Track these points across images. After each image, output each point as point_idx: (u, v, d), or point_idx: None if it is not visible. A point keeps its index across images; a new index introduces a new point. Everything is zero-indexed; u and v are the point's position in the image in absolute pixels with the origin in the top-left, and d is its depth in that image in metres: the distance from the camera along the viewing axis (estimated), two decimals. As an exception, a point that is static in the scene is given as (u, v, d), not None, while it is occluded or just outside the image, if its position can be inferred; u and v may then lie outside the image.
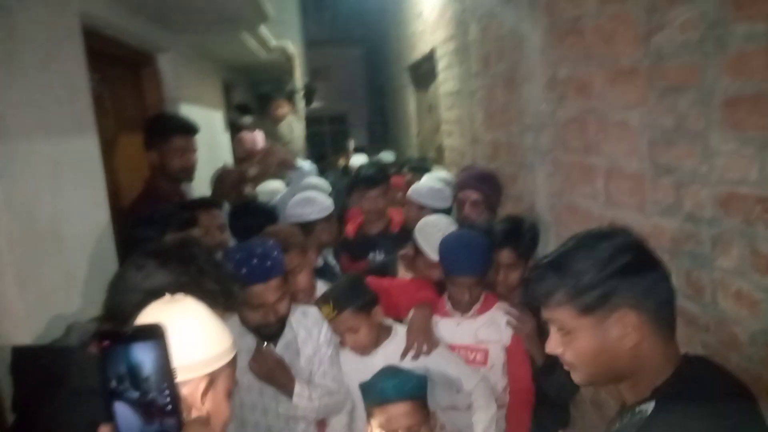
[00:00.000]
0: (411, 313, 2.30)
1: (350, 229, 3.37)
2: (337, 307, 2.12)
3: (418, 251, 2.55)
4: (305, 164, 4.86)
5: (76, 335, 1.40)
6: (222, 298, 1.38)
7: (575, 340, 1.20)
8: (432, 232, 2.48)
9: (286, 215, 2.93)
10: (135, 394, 0.72)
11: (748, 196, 1.42)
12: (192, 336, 1.07)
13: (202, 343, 1.08)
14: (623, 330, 1.16)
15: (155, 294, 1.23)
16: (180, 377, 1.02)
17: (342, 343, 2.23)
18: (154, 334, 0.74)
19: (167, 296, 1.12)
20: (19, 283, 1.59)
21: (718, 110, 1.49)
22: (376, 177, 3.28)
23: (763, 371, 1.42)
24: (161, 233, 1.94)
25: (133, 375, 0.72)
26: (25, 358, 1.37)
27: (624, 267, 1.17)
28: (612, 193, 2.07)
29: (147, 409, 0.73)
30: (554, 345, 1.25)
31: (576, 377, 1.26)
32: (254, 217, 2.81)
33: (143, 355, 0.73)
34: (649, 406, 1.17)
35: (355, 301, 2.15)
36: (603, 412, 2.33)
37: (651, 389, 1.18)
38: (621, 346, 1.17)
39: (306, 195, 3.01)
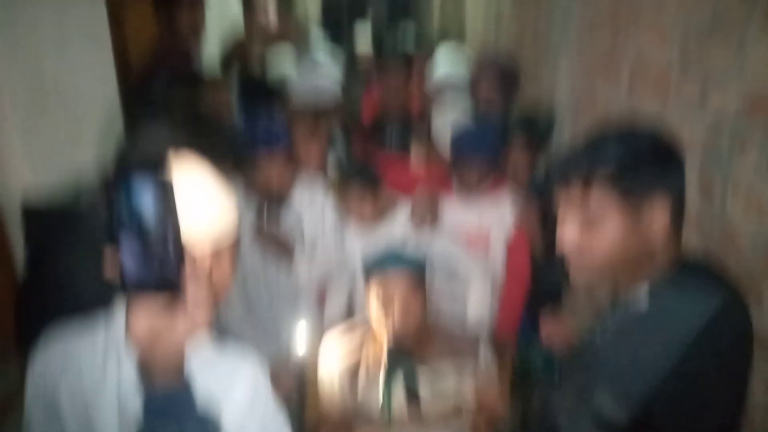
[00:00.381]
0: (418, 191, 2.31)
1: (366, 115, 3.17)
2: (343, 181, 2.13)
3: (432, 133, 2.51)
4: (319, 53, 4.57)
5: (86, 199, 1.40)
6: (232, 167, 1.38)
7: (602, 227, 1.15)
8: (449, 113, 2.42)
9: (294, 98, 2.84)
10: (137, 237, 0.74)
11: (777, 99, 1.35)
12: (199, 211, 1.04)
13: (209, 221, 1.05)
14: (659, 214, 1.12)
15: (165, 156, 1.22)
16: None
17: (347, 218, 2.26)
18: (162, 182, 0.75)
19: (176, 160, 1.10)
20: (23, 139, 1.59)
21: (761, 4, 1.38)
22: (400, 63, 2.99)
23: (757, 275, 1.43)
24: (167, 89, 1.89)
25: (137, 219, 0.74)
26: (34, 220, 1.39)
27: (661, 155, 1.14)
28: (635, 84, 1.98)
29: (148, 254, 0.74)
30: (572, 233, 1.18)
31: (583, 273, 1.23)
32: (263, 95, 2.74)
33: (149, 201, 0.74)
34: (644, 299, 1.19)
35: (363, 175, 2.16)
36: (594, 299, 2.40)
37: (648, 277, 1.19)
38: (650, 231, 1.13)
39: (315, 81, 2.89)
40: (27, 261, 1.40)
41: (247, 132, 1.88)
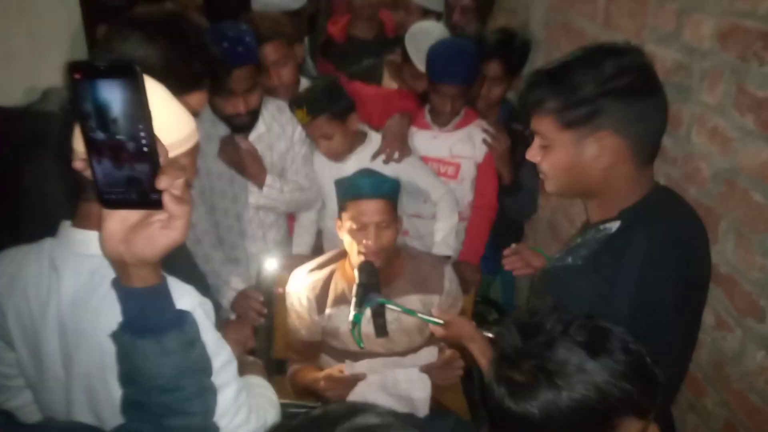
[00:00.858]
0: (388, 121, 2.28)
1: (335, 30, 3.05)
2: (311, 112, 2.07)
3: (406, 59, 2.44)
4: None
5: (55, 100, 1.35)
6: (208, 80, 1.33)
7: (553, 152, 1.23)
8: (424, 39, 2.35)
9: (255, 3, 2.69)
10: (101, 135, 0.68)
11: (751, 30, 1.35)
12: (157, 118, 1.03)
13: (164, 127, 1.04)
14: (599, 151, 1.17)
15: (145, 69, 1.17)
16: None
17: (316, 147, 2.23)
18: (129, 71, 0.67)
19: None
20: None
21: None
22: None
23: (716, 206, 1.48)
24: (132, 3, 1.79)
25: (101, 114, 0.67)
26: (2, 119, 1.33)
27: (620, 89, 1.14)
28: (611, 15, 1.95)
29: (115, 152, 0.69)
30: (533, 153, 1.27)
31: (548, 186, 1.31)
32: (227, 3, 2.60)
33: (113, 94, 0.67)
34: (614, 225, 1.23)
35: (331, 106, 2.09)
36: (556, 233, 2.46)
37: (618, 210, 1.24)
38: (594, 165, 1.19)
39: None
40: None
41: (215, 45, 1.79)
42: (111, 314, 0.87)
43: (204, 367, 0.89)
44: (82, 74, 0.66)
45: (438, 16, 2.84)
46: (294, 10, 2.59)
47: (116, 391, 0.89)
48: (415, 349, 1.93)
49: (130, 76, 0.67)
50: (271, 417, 1.16)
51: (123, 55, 1.25)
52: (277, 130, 2.15)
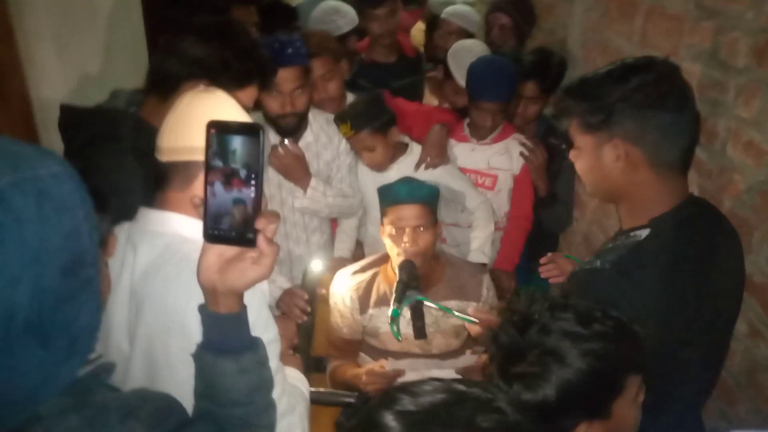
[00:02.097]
0: (429, 132, 2.37)
1: (366, 51, 3.08)
2: (354, 126, 2.19)
3: (447, 75, 2.54)
4: None
5: (123, 100, 1.48)
6: (258, 76, 1.48)
7: (581, 154, 1.31)
8: (466, 56, 2.45)
9: (312, 23, 2.86)
10: (230, 176, 0.81)
11: (786, 48, 1.41)
12: (217, 116, 1.14)
13: None
14: (614, 156, 1.24)
15: (202, 68, 1.31)
16: (200, 157, 1.11)
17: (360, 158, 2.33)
18: (255, 131, 0.81)
19: (201, 87, 1.20)
20: (56, 51, 1.63)
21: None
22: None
23: (751, 217, 1.53)
24: (192, 16, 1.93)
25: (225, 162, 0.80)
26: (74, 117, 1.46)
27: (638, 100, 1.20)
28: (648, 34, 2.02)
29: (228, 195, 0.81)
30: (571, 155, 1.36)
31: (586, 188, 1.38)
32: (280, 17, 2.75)
33: (238, 147, 0.80)
34: (644, 232, 1.28)
35: (373, 121, 2.20)
36: (590, 245, 2.51)
37: (649, 218, 1.28)
38: (612, 170, 1.26)
39: (332, 4, 2.89)
40: (65, 156, 1.48)
41: (266, 47, 1.90)
42: (180, 282, 0.99)
43: (271, 386, 0.99)
44: (217, 129, 0.81)
45: (470, 35, 2.94)
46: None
47: (174, 354, 0.99)
48: (451, 352, 1.99)
49: (254, 134, 0.80)
50: (300, 408, 1.23)
51: (180, 55, 1.42)
52: (324, 140, 2.26)
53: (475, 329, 1.71)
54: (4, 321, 0.64)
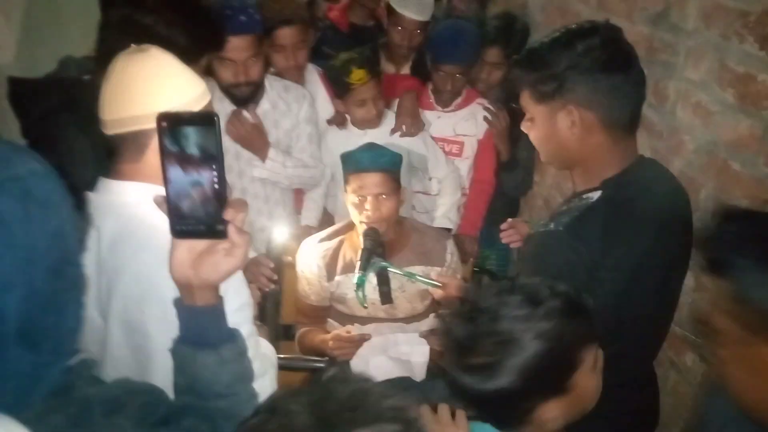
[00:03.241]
0: (399, 99, 2.38)
1: (337, 16, 3.00)
2: (371, 72, 2.19)
3: (390, 13, 2.53)
4: None
5: (74, 68, 1.45)
6: (212, 48, 1.46)
7: (534, 125, 1.33)
8: None
9: None
10: (190, 170, 0.78)
11: (732, 10, 1.45)
12: (169, 81, 1.12)
13: (179, 88, 1.13)
14: (571, 123, 1.26)
15: (149, 36, 1.28)
16: (148, 125, 1.07)
17: (338, 117, 2.32)
18: (209, 120, 0.78)
19: (133, 47, 1.14)
20: (2, 13, 1.58)
21: None
22: None
23: (697, 175, 1.59)
24: None
25: (181, 156, 0.78)
26: (27, 89, 1.43)
27: (585, 66, 1.23)
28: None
29: (190, 189, 0.79)
30: (524, 125, 1.37)
31: (541, 157, 1.41)
32: None
33: (193, 139, 0.78)
34: (596, 194, 1.31)
35: (379, 70, 2.21)
36: (550, 208, 2.56)
37: (600, 180, 1.31)
38: (569, 136, 1.28)
39: None
40: (22, 131, 1.45)
41: (216, 12, 1.83)
42: (150, 250, 0.98)
43: (251, 376, 0.98)
44: (168, 122, 0.78)
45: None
46: None
47: (151, 322, 0.99)
48: (416, 316, 2.04)
49: (209, 124, 0.78)
50: (270, 375, 1.23)
51: (129, 25, 1.37)
52: (282, 107, 2.23)
53: (438, 293, 1.76)
54: None
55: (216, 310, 0.89)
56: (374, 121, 2.30)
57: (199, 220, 0.81)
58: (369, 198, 1.89)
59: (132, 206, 1.11)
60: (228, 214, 0.81)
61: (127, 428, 0.78)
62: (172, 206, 0.80)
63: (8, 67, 1.60)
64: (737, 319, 0.83)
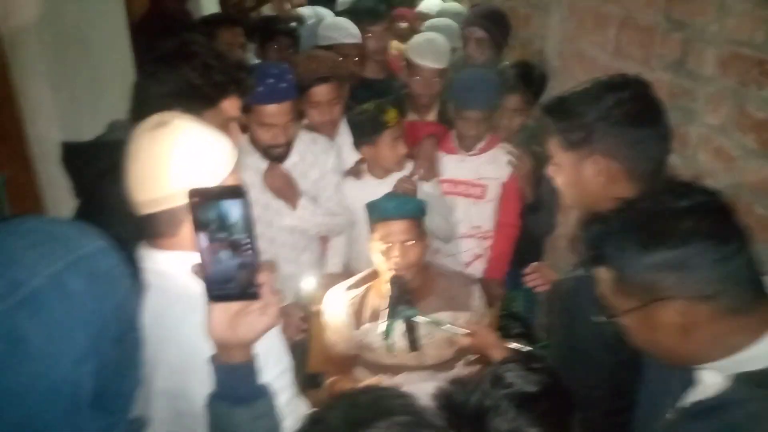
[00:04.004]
0: (421, 143, 2.44)
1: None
2: (401, 112, 2.27)
3: (409, 66, 2.63)
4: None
5: (121, 130, 1.51)
6: (233, 86, 1.48)
7: (561, 170, 1.36)
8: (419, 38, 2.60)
9: (319, 37, 2.87)
10: (223, 240, 0.84)
11: (749, 58, 1.48)
12: (198, 154, 1.13)
13: (209, 158, 1.15)
14: (597, 172, 1.29)
15: (172, 96, 1.35)
16: (182, 202, 1.09)
17: (356, 168, 2.39)
18: (239, 193, 0.83)
19: (153, 119, 1.14)
20: (50, 85, 1.67)
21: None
22: (377, 9, 3.05)
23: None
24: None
25: (213, 227, 0.83)
26: (79, 153, 1.49)
27: (615, 118, 1.26)
28: (621, 44, 2.10)
29: (223, 257, 0.84)
30: (550, 169, 1.40)
31: (565, 200, 1.43)
32: (279, 38, 2.79)
33: (224, 211, 0.83)
34: None
35: (403, 114, 2.30)
36: (575, 248, 2.57)
37: None
38: (592, 185, 1.30)
39: (335, 20, 2.91)
40: (75, 193, 1.51)
41: (258, 81, 1.91)
42: (191, 319, 1.00)
43: (279, 428, 1.00)
44: (199, 198, 0.83)
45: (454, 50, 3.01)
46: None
47: (194, 387, 1.02)
48: (445, 363, 2.04)
49: (238, 196, 0.83)
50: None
51: (157, 92, 1.41)
52: (310, 159, 2.30)
53: (465, 341, 1.77)
54: (71, 397, 0.67)
55: (250, 367, 0.93)
56: (402, 163, 2.34)
57: (233, 285, 0.85)
58: (396, 245, 1.92)
59: (171, 276, 1.13)
60: (261, 279, 0.86)
61: None
62: (207, 274, 0.85)
63: (56, 135, 1.68)
64: (626, 294, 0.98)
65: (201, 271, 0.85)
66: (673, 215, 0.95)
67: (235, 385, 0.92)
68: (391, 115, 2.25)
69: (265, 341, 0.94)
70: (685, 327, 0.94)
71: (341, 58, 2.68)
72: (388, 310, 1.79)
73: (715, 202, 0.98)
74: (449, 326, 1.79)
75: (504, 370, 1.04)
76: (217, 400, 0.93)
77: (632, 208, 1.01)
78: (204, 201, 0.83)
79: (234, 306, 0.87)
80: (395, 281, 1.88)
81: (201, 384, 1.02)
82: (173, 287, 1.14)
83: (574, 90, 1.34)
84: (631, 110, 1.26)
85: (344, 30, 2.82)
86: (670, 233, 0.94)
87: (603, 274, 1.03)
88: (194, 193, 0.83)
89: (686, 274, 0.93)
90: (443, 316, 2.03)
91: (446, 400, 0.97)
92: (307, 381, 2.28)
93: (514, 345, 1.69)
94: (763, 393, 0.91)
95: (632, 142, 1.26)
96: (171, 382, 1.14)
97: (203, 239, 0.83)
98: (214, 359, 0.92)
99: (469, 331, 1.74)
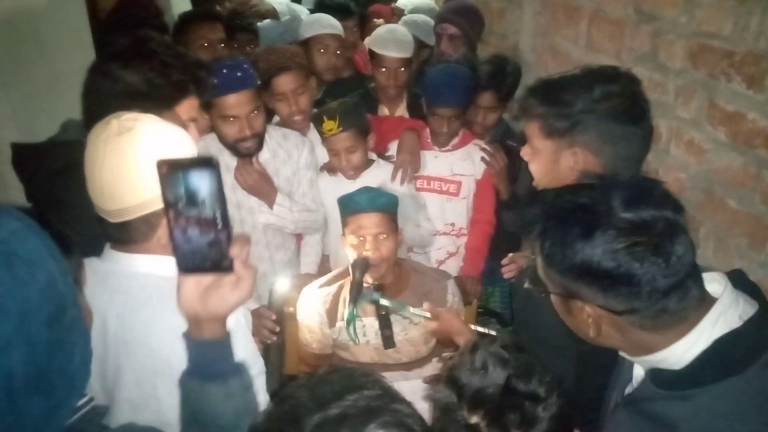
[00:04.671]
0: (401, 137, 2.41)
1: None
2: (342, 124, 2.18)
3: (372, 57, 2.59)
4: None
5: (75, 131, 1.46)
6: (193, 85, 1.43)
7: (537, 156, 1.34)
8: (383, 32, 2.56)
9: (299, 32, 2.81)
10: (194, 212, 0.81)
11: (718, 50, 1.48)
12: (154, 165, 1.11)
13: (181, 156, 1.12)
14: (573, 164, 1.27)
15: (130, 96, 1.30)
16: (159, 205, 1.06)
17: (329, 164, 2.34)
18: (210, 164, 0.81)
19: (113, 124, 1.09)
20: (3, 91, 1.62)
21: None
22: (346, 5, 3.04)
23: (695, 213, 1.59)
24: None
25: (182, 199, 0.80)
26: (28, 154, 1.45)
27: (601, 111, 1.23)
28: (593, 38, 2.09)
29: (194, 229, 0.81)
30: (524, 152, 1.38)
31: (537, 184, 1.40)
32: (239, 35, 2.75)
33: (194, 182, 0.80)
34: None
35: (359, 122, 2.22)
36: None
37: None
38: (568, 175, 1.28)
39: (316, 14, 2.85)
40: (27, 195, 1.46)
41: (214, 73, 1.81)
42: (162, 324, 0.97)
43: (255, 409, 0.98)
44: (168, 168, 0.80)
45: (431, 48, 2.99)
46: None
47: (163, 395, 0.98)
48: (419, 360, 2.02)
49: (208, 167, 0.80)
50: None
51: (112, 92, 1.36)
52: (282, 155, 2.26)
53: (431, 325, 1.75)
54: (4, 383, 0.65)
55: (224, 344, 0.91)
56: (352, 173, 2.31)
57: (204, 257, 0.83)
58: (368, 238, 1.89)
59: (142, 276, 1.10)
60: (234, 251, 0.83)
61: None
62: (178, 247, 0.82)
63: (9, 135, 1.62)
64: (550, 280, 0.99)
65: (172, 243, 0.82)
66: (609, 225, 0.89)
67: (208, 360, 0.90)
68: (327, 126, 2.20)
69: (239, 344, 0.93)
70: (597, 326, 0.95)
71: (321, 50, 2.67)
72: (350, 296, 1.75)
73: (656, 218, 0.90)
74: (414, 310, 1.77)
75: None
76: (189, 376, 0.91)
77: (573, 202, 0.95)
78: (172, 171, 0.80)
79: (206, 279, 0.85)
80: (357, 263, 1.85)
81: (170, 394, 0.99)
82: (143, 290, 1.11)
83: (563, 75, 1.31)
84: (619, 105, 1.24)
85: (324, 21, 2.78)
86: (601, 246, 0.88)
87: (535, 254, 1.03)
88: (163, 164, 0.80)
89: (605, 289, 0.90)
90: (417, 312, 2.00)
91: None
92: (285, 383, 2.25)
93: (479, 328, 1.67)
94: (665, 394, 0.92)
95: (615, 138, 1.24)
96: (137, 390, 1.11)
97: (172, 210, 0.81)
98: (187, 334, 0.90)
99: (429, 315, 1.72)
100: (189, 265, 0.83)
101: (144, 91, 1.35)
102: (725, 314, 0.89)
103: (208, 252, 0.82)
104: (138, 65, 1.37)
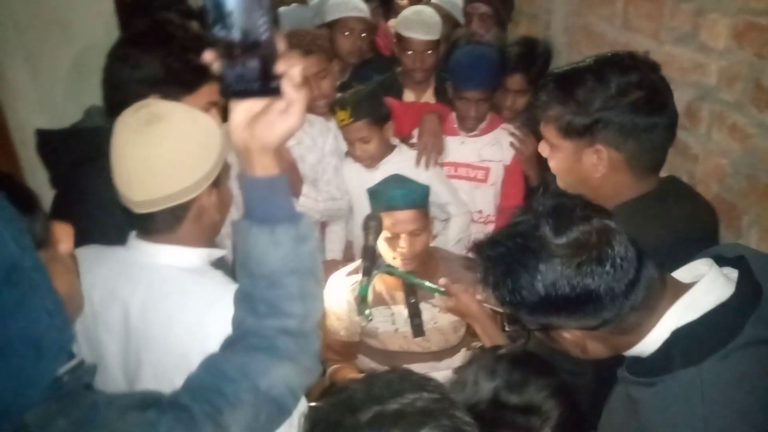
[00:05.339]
0: (422, 120, 2.36)
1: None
2: (354, 114, 2.15)
3: (399, 40, 2.53)
4: None
5: (99, 117, 1.45)
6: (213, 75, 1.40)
7: (556, 155, 1.28)
8: (410, 14, 2.50)
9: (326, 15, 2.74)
10: (225, 32, 0.75)
11: (766, 28, 1.40)
12: (197, 148, 1.08)
13: (209, 148, 1.10)
14: (597, 161, 1.22)
15: (149, 81, 1.28)
16: (186, 197, 1.08)
17: (348, 152, 2.31)
18: None
19: (142, 113, 1.08)
20: (29, 69, 1.61)
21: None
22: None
23: (738, 201, 1.52)
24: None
25: (224, 14, 0.75)
26: (54, 141, 1.44)
27: (622, 107, 1.18)
28: (630, 17, 2.01)
29: (238, 46, 0.76)
30: (542, 148, 1.32)
31: (558, 182, 1.36)
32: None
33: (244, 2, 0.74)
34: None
35: (373, 112, 2.18)
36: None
37: (614, 205, 1.23)
38: (590, 174, 1.24)
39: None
40: (52, 181, 1.46)
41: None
42: (180, 320, 0.95)
43: (309, 269, 0.91)
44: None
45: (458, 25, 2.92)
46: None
47: None
48: (450, 349, 1.99)
49: None
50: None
51: (132, 78, 1.34)
52: (308, 142, 2.24)
53: (448, 303, 1.71)
54: None
55: (274, 184, 0.86)
56: (367, 163, 2.27)
57: (251, 78, 0.78)
58: (402, 235, 1.86)
59: (164, 268, 1.09)
60: (280, 67, 0.78)
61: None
62: (225, 68, 0.78)
63: (37, 120, 1.62)
64: (524, 320, 1.01)
65: (220, 65, 0.78)
66: (549, 256, 0.90)
67: (257, 201, 0.86)
68: (339, 116, 2.17)
69: None
70: (582, 346, 1.00)
71: (346, 33, 2.62)
72: (362, 268, 1.73)
73: (587, 232, 0.91)
74: (428, 284, 1.74)
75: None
76: (242, 217, 0.88)
77: (507, 248, 0.95)
78: None
79: (255, 105, 0.81)
80: (370, 223, 1.82)
81: None
82: (167, 282, 1.10)
83: (575, 67, 1.24)
84: (639, 98, 1.17)
85: (350, 3, 2.72)
86: (551, 277, 0.90)
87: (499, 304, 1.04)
88: None
89: (573, 313, 0.93)
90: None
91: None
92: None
93: (494, 308, 1.63)
94: (634, 379, 0.97)
95: (638, 132, 1.19)
96: (155, 385, 1.09)
97: (216, 28, 0.76)
98: (241, 173, 0.86)
99: (443, 290, 1.69)
100: (236, 87, 0.79)
101: (163, 76, 1.33)
102: (696, 302, 0.92)
103: (254, 71, 0.77)
104: (156, 50, 1.35)
